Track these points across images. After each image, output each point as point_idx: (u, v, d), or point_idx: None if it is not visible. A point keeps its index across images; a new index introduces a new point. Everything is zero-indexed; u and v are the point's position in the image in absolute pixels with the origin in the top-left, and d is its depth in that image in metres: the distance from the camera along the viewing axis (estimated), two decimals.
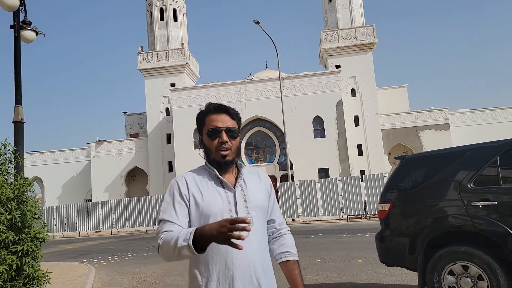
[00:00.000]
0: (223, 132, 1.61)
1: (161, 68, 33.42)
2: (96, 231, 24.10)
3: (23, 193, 4.08)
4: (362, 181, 19.16)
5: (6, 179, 4.13)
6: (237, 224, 1.26)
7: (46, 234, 4.27)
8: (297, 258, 1.71)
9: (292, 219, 19.81)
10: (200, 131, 1.68)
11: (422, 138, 30.62)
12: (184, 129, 29.87)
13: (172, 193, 1.59)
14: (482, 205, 3.77)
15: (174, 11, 35.12)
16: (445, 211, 4.03)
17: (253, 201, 1.61)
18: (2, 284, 3.67)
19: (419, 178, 4.35)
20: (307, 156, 28.18)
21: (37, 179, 36.07)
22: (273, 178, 28.82)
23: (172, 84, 33.14)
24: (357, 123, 30.73)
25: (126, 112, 38.02)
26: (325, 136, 28.66)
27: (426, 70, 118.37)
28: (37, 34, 7.14)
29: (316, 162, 28.25)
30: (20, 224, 3.96)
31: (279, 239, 1.73)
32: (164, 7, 34.65)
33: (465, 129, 31.99)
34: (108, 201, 24.47)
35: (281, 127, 24.52)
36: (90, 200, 30.98)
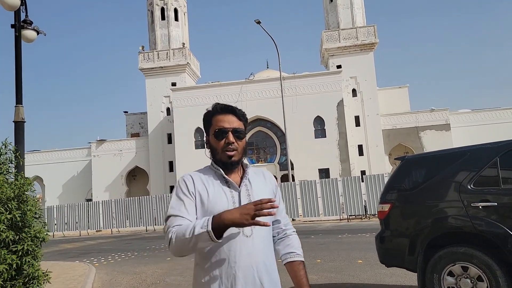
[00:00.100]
0: (230, 133, 1.62)
1: (162, 67, 33.43)
2: (96, 231, 24.12)
3: (23, 192, 4.09)
4: (362, 181, 19.15)
5: (6, 179, 4.13)
6: (264, 204, 1.35)
7: (46, 234, 4.28)
8: (302, 259, 1.70)
9: (293, 219, 19.81)
10: (207, 131, 1.69)
11: (422, 138, 30.60)
12: (185, 129, 29.88)
13: (180, 190, 1.60)
14: (482, 206, 3.76)
15: (175, 10, 35.12)
16: (445, 212, 4.02)
17: None
18: (2, 283, 3.68)
19: (419, 178, 4.35)
20: (307, 156, 28.17)
21: (38, 178, 36.11)
22: None
23: (173, 84, 33.15)
24: (358, 123, 30.72)
25: (127, 112, 38.04)
26: (325, 136, 28.65)
27: (427, 71, 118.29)
28: (38, 34, 7.15)
29: (316, 162, 28.24)
30: (20, 224, 3.96)
31: (284, 240, 1.73)
32: (165, 7, 34.66)
33: (466, 130, 31.96)
34: (108, 200, 24.50)
35: (282, 127, 24.53)
36: (91, 200, 31.00)
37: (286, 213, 1.81)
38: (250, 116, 28.92)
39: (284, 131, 23.56)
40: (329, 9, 33.47)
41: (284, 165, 28.91)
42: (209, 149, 1.68)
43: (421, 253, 4.04)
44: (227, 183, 1.62)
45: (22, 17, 6.91)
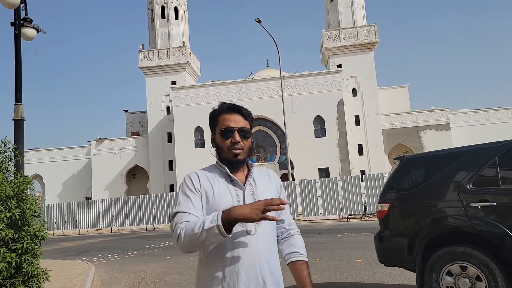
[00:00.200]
0: (236, 132, 1.63)
1: (162, 66, 33.41)
2: (96, 229, 24.13)
3: (22, 191, 4.09)
4: (362, 181, 19.17)
5: (6, 177, 4.14)
6: (274, 200, 1.40)
7: (46, 232, 4.28)
8: (306, 259, 1.71)
9: (292, 218, 19.84)
10: (213, 130, 1.70)
11: (422, 138, 30.60)
12: (185, 128, 29.88)
13: (186, 187, 1.62)
14: (481, 206, 3.77)
15: (176, 9, 35.09)
16: (444, 211, 4.03)
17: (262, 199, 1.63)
18: (1, 281, 3.68)
19: (418, 178, 4.35)
20: (307, 155, 28.18)
21: (38, 177, 36.11)
22: None
23: (173, 83, 33.14)
24: (357, 123, 30.72)
25: (127, 110, 38.02)
26: (325, 136, 28.65)
27: (427, 70, 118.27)
28: (37, 32, 7.16)
29: (316, 161, 28.25)
30: (19, 222, 3.97)
31: (288, 240, 1.74)
32: (165, 5, 34.62)
33: (466, 129, 31.96)
34: (108, 199, 24.51)
35: (282, 127, 24.53)
36: (91, 198, 31.01)
37: (290, 213, 1.82)
38: None
39: (284, 130, 23.56)
40: (329, 8, 33.45)
41: (284, 164, 28.91)
42: (214, 148, 1.69)
43: (420, 252, 4.04)
44: (232, 181, 1.63)
45: (22, 15, 6.91)
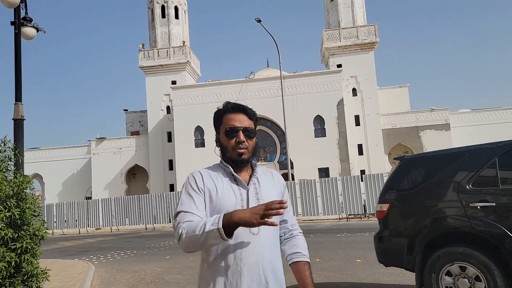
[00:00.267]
0: (240, 132, 1.63)
1: (162, 66, 33.40)
2: (96, 229, 24.14)
3: (22, 190, 4.09)
4: (362, 180, 19.17)
5: (5, 176, 4.14)
6: (273, 205, 1.36)
7: (45, 232, 4.28)
8: (308, 259, 1.71)
9: (295, 219, 19.86)
10: (217, 129, 1.71)
11: (422, 138, 30.60)
12: (185, 128, 29.88)
13: (190, 186, 1.62)
14: (480, 206, 3.77)
15: (176, 8, 35.07)
16: (443, 212, 4.03)
17: (265, 200, 1.62)
18: (1, 281, 3.68)
19: (418, 178, 4.35)
20: (307, 155, 28.18)
21: (38, 176, 36.11)
22: None
23: (173, 82, 33.13)
24: (357, 123, 30.72)
25: (127, 110, 38.00)
26: (325, 136, 28.65)
27: (427, 70, 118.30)
28: (37, 31, 7.15)
29: (316, 161, 28.25)
30: (19, 222, 3.97)
31: (290, 240, 1.74)
32: (165, 5, 34.60)
33: (466, 130, 31.97)
34: (108, 198, 24.51)
35: (282, 126, 24.55)
36: (90, 198, 31.01)
37: (293, 214, 1.82)
38: None
39: (284, 130, 23.56)
40: (329, 8, 33.44)
41: (284, 164, 28.91)
42: (219, 147, 1.69)
43: (420, 252, 4.05)
44: (235, 180, 1.63)
45: (22, 14, 6.91)
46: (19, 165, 4.84)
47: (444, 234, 4.00)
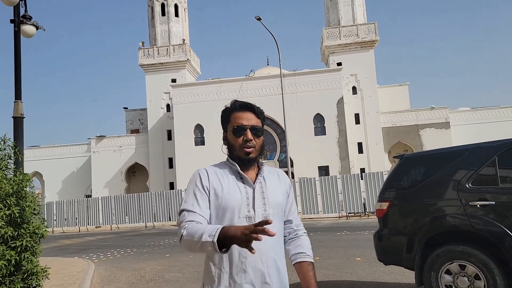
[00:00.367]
0: (248, 130, 1.63)
1: (162, 63, 33.36)
2: (96, 227, 24.14)
3: (22, 188, 4.09)
4: (361, 179, 19.18)
5: (5, 175, 4.14)
6: (258, 227, 1.27)
7: (45, 230, 4.29)
8: (312, 260, 1.72)
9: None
10: (225, 127, 1.71)
11: (422, 136, 30.60)
12: (185, 126, 29.86)
13: (194, 184, 1.62)
14: (480, 205, 3.77)
15: (176, 6, 35.00)
16: (443, 210, 4.03)
17: (271, 199, 1.64)
18: (1, 279, 3.69)
19: (417, 177, 4.36)
20: (307, 153, 28.17)
21: (37, 174, 36.11)
22: None
23: (173, 80, 33.10)
24: (357, 121, 30.71)
25: (127, 108, 37.96)
26: (325, 134, 28.64)
27: (427, 68, 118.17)
28: (37, 29, 7.14)
29: (316, 159, 28.25)
30: (19, 220, 3.97)
31: (295, 240, 1.75)
32: (165, 2, 34.54)
33: (466, 128, 31.96)
34: (108, 196, 24.52)
35: (282, 124, 24.54)
36: (90, 196, 31.02)
37: (298, 214, 1.82)
38: None
39: (284, 128, 23.55)
40: (329, 6, 33.38)
41: (284, 162, 28.91)
42: (226, 146, 1.70)
43: (419, 251, 4.05)
44: (242, 179, 1.63)
45: (22, 12, 6.89)
46: (19, 163, 4.84)
47: (444, 233, 4.00)
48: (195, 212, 1.55)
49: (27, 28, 6.91)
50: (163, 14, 34.55)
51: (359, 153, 30.29)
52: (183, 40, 34.19)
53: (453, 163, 4.08)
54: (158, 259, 9.39)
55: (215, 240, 1.36)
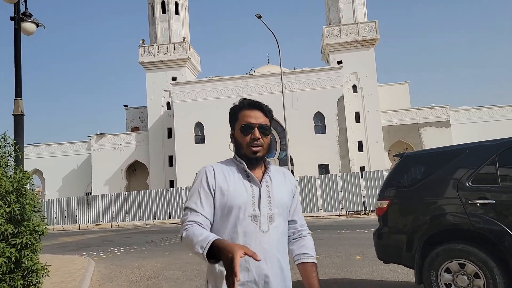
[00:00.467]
0: (256, 128, 1.63)
1: (162, 61, 33.33)
2: (96, 224, 24.17)
3: (22, 186, 4.10)
4: (362, 177, 19.19)
5: (5, 172, 4.14)
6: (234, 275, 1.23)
7: (45, 227, 4.29)
8: (315, 261, 1.73)
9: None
10: (232, 125, 1.70)
11: (422, 135, 30.60)
12: (185, 124, 29.85)
13: (200, 181, 1.62)
14: (480, 204, 3.77)
15: (176, 4, 34.95)
16: (443, 209, 4.03)
17: (276, 198, 1.64)
18: (1, 276, 3.69)
19: (417, 175, 4.35)
20: (307, 152, 28.18)
21: (38, 172, 36.13)
22: None
23: (173, 78, 33.07)
24: (358, 120, 30.70)
25: (127, 106, 37.96)
26: (325, 132, 28.64)
27: (428, 67, 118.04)
28: (37, 26, 7.13)
29: (316, 158, 28.25)
30: (19, 217, 3.97)
31: (299, 240, 1.76)
32: (165, 0, 34.48)
33: (466, 127, 31.94)
34: (108, 194, 24.54)
35: (282, 123, 24.50)
36: (90, 193, 31.04)
37: (302, 215, 1.83)
38: None
39: (284, 126, 23.54)
40: (330, 4, 33.33)
41: (284, 160, 28.91)
42: (233, 144, 1.70)
43: (419, 249, 4.05)
44: (248, 177, 1.63)
45: (22, 9, 6.88)
46: (19, 161, 4.84)
47: (444, 231, 4.00)
48: (197, 212, 1.56)
49: (27, 25, 6.90)
50: (164, 12, 34.50)
51: (359, 151, 30.29)
52: (184, 38, 34.15)
53: (453, 162, 4.08)
54: (158, 257, 9.40)
55: (205, 253, 1.38)
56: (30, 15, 6.94)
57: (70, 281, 6.58)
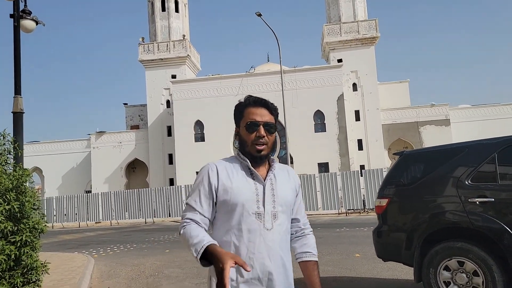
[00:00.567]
0: (261, 126, 1.63)
1: (162, 59, 33.29)
2: (96, 222, 24.20)
3: (22, 183, 4.10)
4: (361, 176, 19.20)
5: (5, 170, 4.14)
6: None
7: (45, 225, 4.30)
8: (317, 259, 1.74)
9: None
10: (237, 123, 1.70)
11: (422, 133, 30.59)
12: (185, 122, 29.84)
13: (201, 179, 1.63)
14: (479, 202, 3.77)
15: (176, 2, 34.88)
16: (442, 207, 4.03)
17: (280, 196, 1.64)
18: (0, 274, 3.70)
19: (417, 174, 4.35)
20: (307, 150, 28.18)
21: (37, 169, 36.12)
22: None
23: (173, 76, 33.04)
24: (357, 118, 30.68)
25: (127, 104, 37.93)
26: (325, 131, 28.63)
27: (428, 65, 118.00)
28: (36, 24, 7.11)
29: (316, 156, 28.26)
30: (18, 215, 3.98)
31: (301, 239, 1.77)
32: None
33: (466, 125, 31.94)
34: (108, 192, 24.55)
35: (282, 121, 24.51)
36: (90, 191, 31.05)
37: (305, 213, 1.84)
38: None
39: (284, 124, 23.55)
40: (330, 2, 33.27)
41: (284, 159, 28.91)
42: (238, 141, 1.69)
43: (418, 247, 4.05)
44: (252, 175, 1.63)
45: (21, 7, 6.87)
46: (18, 159, 4.84)
47: (443, 229, 4.01)
48: (196, 210, 1.58)
49: (27, 23, 6.89)
50: (163, 9, 34.43)
51: (359, 150, 30.29)
52: (183, 36, 34.09)
53: (453, 160, 4.08)
54: (157, 254, 9.42)
55: (199, 258, 1.43)
56: (30, 13, 6.93)
57: (70, 278, 6.58)
